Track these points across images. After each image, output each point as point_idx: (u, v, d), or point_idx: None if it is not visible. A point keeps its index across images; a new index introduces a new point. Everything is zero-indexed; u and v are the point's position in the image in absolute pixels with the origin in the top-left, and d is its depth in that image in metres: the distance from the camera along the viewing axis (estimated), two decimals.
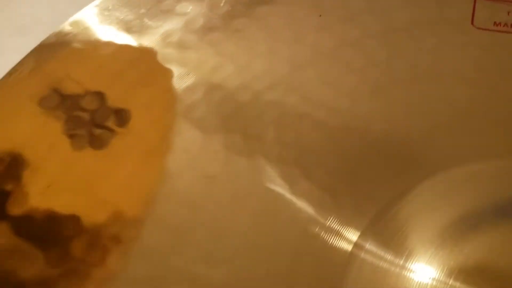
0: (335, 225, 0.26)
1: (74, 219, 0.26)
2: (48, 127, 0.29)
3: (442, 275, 0.25)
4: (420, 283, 0.25)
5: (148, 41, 0.31)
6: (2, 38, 1.17)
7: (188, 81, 0.29)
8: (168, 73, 0.31)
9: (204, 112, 0.28)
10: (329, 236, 0.26)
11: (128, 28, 0.32)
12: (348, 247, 0.26)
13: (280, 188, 0.27)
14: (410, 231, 0.26)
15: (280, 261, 0.25)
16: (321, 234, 0.26)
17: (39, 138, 0.29)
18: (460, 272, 0.24)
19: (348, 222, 0.26)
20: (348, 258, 0.25)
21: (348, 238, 0.26)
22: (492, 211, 0.26)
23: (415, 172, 0.27)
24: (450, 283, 0.24)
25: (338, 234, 0.26)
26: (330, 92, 0.28)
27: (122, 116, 0.30)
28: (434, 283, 0.25)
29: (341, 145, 0.28)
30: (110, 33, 0.32)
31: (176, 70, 0.30)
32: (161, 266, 0.24)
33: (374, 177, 0.27)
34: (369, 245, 0.26)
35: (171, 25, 0.31)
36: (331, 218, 0.26)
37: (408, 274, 0.25)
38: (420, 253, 0.26)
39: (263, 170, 0.27)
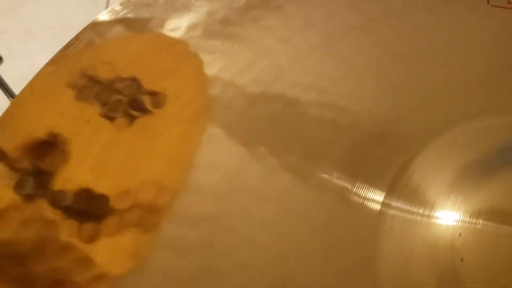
0: (362, 190, 0.29)
1: (137, 170, 0.30)
2: (87, 110, 0.32)
3: (466, 216, 0.27)
4: (447, 226, 0.28)
5: (193, 18, 0.34)
6: (11, 42, 1.20)
7: (233, 51, 0.33)
8: (198, 59, 0.34)
9: (248, 77, 0.32)
10: (359, 200, 0.29)
11: (175, 7, 0.35)
12: (377, 207, 0.28)
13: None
14: (429, 185, 0.29)
15: (316, 224, 0.28)
16: (351, 198, 0.29)
17: (80, 121, 0.32)
18: (481, 212, 0.27)
19: (372, 185, 0.29)
20: (379, 216, 0.28)
21: (375, 199, 0.29)
22: (500, 158, 0.29)
23: (434, 126, 0.30)
24: (473, 221, 0.27)
25: (365, 197, 0.29)
26: (360, 60, 0.32)
27: (157, 98, 0.33)
28: (460, 224, 0.27)
29: (369, 106, 0.31)
30: (155, 14, 0.35)
31: (221, 42, 0.33)
32: (217, 204, 0.27)
33: (397, 137, 0.30)
34: (395, 203, 0.28)
35: (215, 4, 0.34)
36: (357, 184, 0.29)
37: (435, 221, 0.28)
38: (442, 202, 0.28)
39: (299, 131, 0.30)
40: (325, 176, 0.29)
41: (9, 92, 0.49)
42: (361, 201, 0.29)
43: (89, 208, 0.29)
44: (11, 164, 0.31)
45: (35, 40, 1.07)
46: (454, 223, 0.28)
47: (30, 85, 0.34)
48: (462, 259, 0.26)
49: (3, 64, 1.13)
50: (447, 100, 0.31)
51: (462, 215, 0.28)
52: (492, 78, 0.31)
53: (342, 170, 0.29)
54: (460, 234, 0.27)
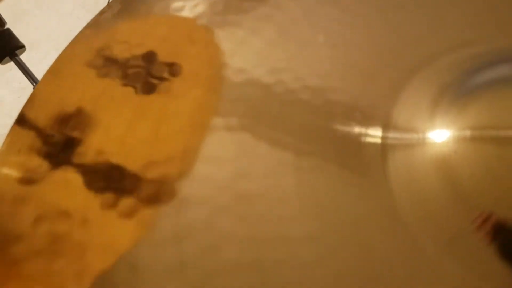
0: (362, 130, 0.34)
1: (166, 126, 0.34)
2: (111, 82, 0.37)
3: (455, 132, 0.32)
4: (442, 143, 0.32)
5: None
6: None
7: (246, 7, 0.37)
8: (210, 29, 0.38)
9: (265, 29, 0.36)
10: (361, 137, 0.33)
11: None
12: (378, 140, 0.33)
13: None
14: (419, 115, 0.34)
15: (330, 155, 0.33)
16: (354, 136, 0.33)
17: (106, 91, 0.36)
18: (467, 126, 0.32)
19: (369, 124, 0.34)
20: (381, 147, 0.33)
21: (374, 135, 0.34)
22: (471, 82, 0.34)
23: (420, 57, 0.35)
24: (463, 134, 0.32)
25: (366, 134, 0.34)
26: (363, 8, 0.37)
27: (174, 68, 0.37)
28: (451, 139, 0.32)
29: (368, 42, 0.36)
30: None
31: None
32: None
33: (387, 72, 0.35)
34: (391, 134, 0.33)
35: None
36: (358, 125, 0.34)
37: (431, 141, 0.33)
38: (432, 125, 0.33)
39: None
40: (336, 121, 0.34)
41: (32, 78, 0.54)
42: (363, 139, 0.33)
43: (124, 169, 0.33)
44: (41, 132, 0.35)
45: (38, 50, 1.11)
46: (447, 139, 0.32)
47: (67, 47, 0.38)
48: (455, 152, 0.31)
49: (9, 74, 1.17)
50: (423, 40, 0.36)
51: (452, 131, 0.32)
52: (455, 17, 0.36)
53: (345, 113, 0.34)
54: (452, 141, 0.32)
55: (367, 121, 0.34)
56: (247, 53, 0.36)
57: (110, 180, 0.32)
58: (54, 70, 0.38)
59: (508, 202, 0.29)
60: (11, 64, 1.20)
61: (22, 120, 0.36)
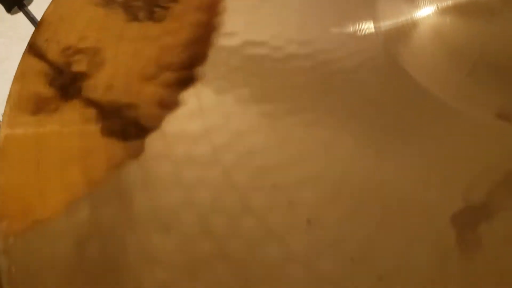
0: (356, 27, 0.38)
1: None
2: (114, 16, 0.39)
3: (439, 4, 0.37)
4: (429, 16, 0.37)
5: None
6: (8, 45, 1.26)
7: None
8: None
9: None
10: (357, 33, 0.38)
11: None
12: (372, 29, 0.38)
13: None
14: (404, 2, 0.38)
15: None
16: (350, 35, 0.38)
17: (110, 25, 0.38)
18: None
19: (363, 19, 0.38)
20: (376, 35, 0.37)
21: (370, 27, 0.38)
22: None
23: None
24: (446, 4, 0.36)
25: (361, 30, 0.38)
26: None
27: None
28: (438, 11, 0.37)
29: None
30: None
31: None
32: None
33: None
34: (382, 23, 0.38)
35: None
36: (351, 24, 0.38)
37: (419, 17, 0.37)
38: (417, 5, 0.37)
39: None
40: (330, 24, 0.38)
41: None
42: (360, 33, 0.37)
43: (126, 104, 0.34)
44: (51, 64, 0.37)
45: None
46: (433, 11, 0.37)
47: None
48: (444, 19, 0.36)
49: (4, 64, 1.19)
50: None
51: (435, 5, 0.37)
52: None
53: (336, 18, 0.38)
54: (439, 12, 0.36)
55: (359, 19, 0.38)
56: None
57: (122, 116, 0.34)
58: (56, 5, 0.40)
59: (490, 47, 0.35)
60: (4, 55, 1.22)
61: (32, 49, 0.38)
